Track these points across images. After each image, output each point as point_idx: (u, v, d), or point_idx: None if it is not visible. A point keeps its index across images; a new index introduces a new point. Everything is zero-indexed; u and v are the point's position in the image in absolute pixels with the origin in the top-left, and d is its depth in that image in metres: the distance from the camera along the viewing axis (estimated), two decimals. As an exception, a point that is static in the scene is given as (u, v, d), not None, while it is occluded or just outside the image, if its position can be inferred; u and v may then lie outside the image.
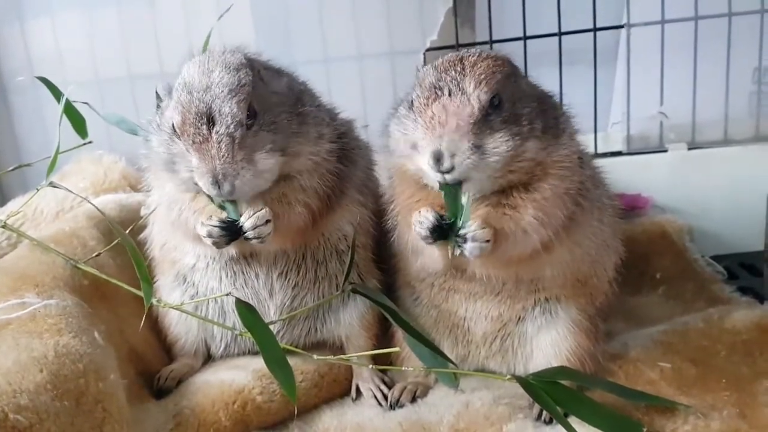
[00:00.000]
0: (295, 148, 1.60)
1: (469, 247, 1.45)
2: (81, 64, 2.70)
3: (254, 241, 1.57)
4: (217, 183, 1.48)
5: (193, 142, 1.50)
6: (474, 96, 1.44)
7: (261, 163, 1.52)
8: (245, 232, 1.56)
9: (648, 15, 2.59)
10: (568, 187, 1.54)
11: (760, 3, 2.53)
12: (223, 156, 1.47)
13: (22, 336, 1.38)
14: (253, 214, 1.56)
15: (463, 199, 1.48)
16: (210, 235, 1.57)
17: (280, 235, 1.64)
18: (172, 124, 1.54)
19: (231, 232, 1.57)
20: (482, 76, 1.46)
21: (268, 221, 1.57)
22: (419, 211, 1.51)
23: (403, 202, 1.64)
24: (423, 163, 1.45)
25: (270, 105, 1.59)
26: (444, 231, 1.49)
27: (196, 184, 1.53)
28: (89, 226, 1.90)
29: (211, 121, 1.49)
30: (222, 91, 1.51)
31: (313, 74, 1.83)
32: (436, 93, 1.46)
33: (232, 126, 1.48)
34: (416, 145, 1.48)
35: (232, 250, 1.71)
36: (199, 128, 1.49)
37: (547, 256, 1.59)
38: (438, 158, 1.41)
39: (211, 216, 1.59)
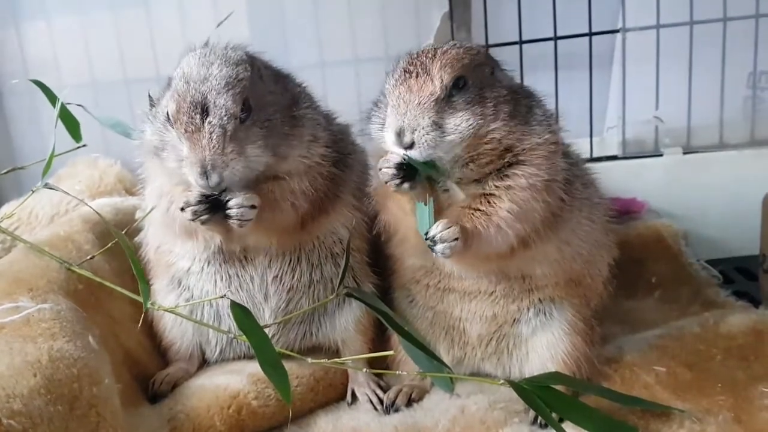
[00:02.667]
0: (286, 149, 1.60)
1: (439, 248, 1.46)
2: (76, 67, 2.70)
3: (235, 222, 1.54)
4: (205, 173, 1.47)
5: (185, 131, 1.49)
6: (437, 76, 1.48)
7: (251, 157, 1.52)
8: (229, 209, 1.53)
9: (643, 20, 2.59)
10: (545, 179, 1.54)
11: (755, 8, 2.54)
12: (213, 147, 1.47)
13: (15, 340, 1.37)
14: (242, 194, 1.54)
15: (427, 204, 1.50)
16: (188, 204, 1.53)
17: (263, 228, 1.64)
18: (167, 113, 1.54)
19: (210, 204, 1.53)
20: (449, 60, 1.50)
21: (254, 206, 1.54)
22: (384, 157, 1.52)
23: (381, 184, 1.63)
24: (389, 142, 1.48)
25: (265, 103, 1.59)
26: (412, 171, 1.49)
27: (184, 174, 1.52)
28: (84, 230, 1.89)
29: (204, 112, 1.49)
30: (219, 83, 1.51)
31: (309, 78, 1.83)
32: (405, 75, 1.50)
33: (225, 118, 1.49)
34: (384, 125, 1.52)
35: (217, 238, 1.68)
36: (192, 117, 1.49)
37: (525, 252, 1.59)
38: (399, 134, 1.45)
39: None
